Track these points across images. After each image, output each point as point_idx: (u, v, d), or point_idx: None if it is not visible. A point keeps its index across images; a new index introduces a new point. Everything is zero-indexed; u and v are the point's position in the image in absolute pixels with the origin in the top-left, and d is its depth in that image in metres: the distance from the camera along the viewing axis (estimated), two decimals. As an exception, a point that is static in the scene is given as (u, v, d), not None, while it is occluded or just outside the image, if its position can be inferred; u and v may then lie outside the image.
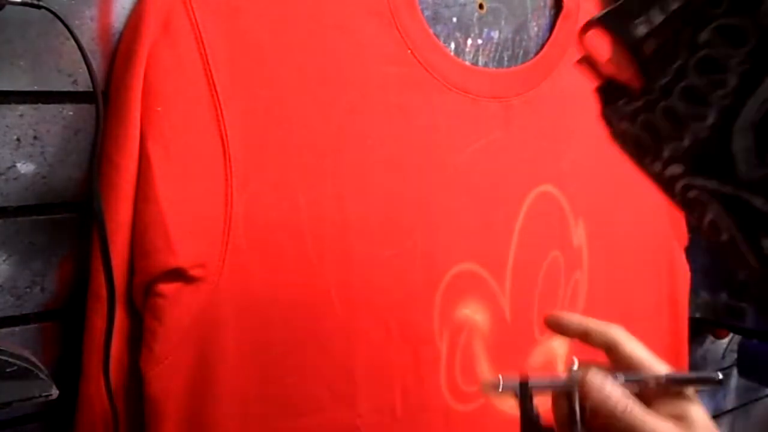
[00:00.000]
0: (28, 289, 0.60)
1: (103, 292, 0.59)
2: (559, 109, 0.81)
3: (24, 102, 0.58)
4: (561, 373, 0.61)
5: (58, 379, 0.58)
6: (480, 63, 0.79)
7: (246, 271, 0.63)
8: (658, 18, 0.40)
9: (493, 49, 0.80)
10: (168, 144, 0.59)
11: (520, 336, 0.81)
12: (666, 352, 0.67)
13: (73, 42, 0.56)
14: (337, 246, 0.68)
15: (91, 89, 0.58)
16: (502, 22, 0.81)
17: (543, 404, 0.53)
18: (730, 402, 1.30)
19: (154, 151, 0.58)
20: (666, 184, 0.43)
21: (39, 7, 0.54)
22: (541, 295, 0.82)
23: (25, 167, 0.58)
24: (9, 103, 0.57)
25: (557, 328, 0.57)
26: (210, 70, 0.60)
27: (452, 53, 0.77)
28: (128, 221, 0.59)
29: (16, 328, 0.60)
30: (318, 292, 0.68)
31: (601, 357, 0.54)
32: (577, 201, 0.84)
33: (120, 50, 0.60)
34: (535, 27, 0.83)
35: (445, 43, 0.76)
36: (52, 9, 0.55)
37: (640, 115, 0.44)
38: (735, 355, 1.23)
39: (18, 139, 0.58)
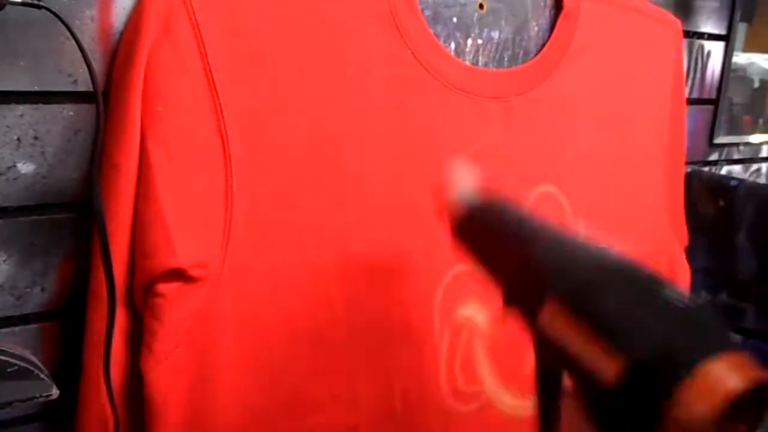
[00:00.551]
0: (28, 289, 0.60)
1: (103, 292, 0.59)
2: (559, 109, 0.81)
3: (24, 102, 0.58)
4: None
5: (58, 379, 0.58)
6: (480, 63, 0.79)
7: (246, 271, 0.63)
8: None
9: (493, 49, 0.80)
10: (168, 144, 0.59)
11: (520, 336, 0.81)
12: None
13: (73, 42, 0.56)
14: (337, 246, 0.68)
15: (91, 89, 0.58)
16: (503, 22, 0.81)
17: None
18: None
19: (154, 151, 0.58)
20: None
21: (39, 7, 0.54)
22: (541, 295, 0.82)
23: (25, 167, 0.58)
24: (9, 103, 0.57)
25: None
26: (210, 70, 0.60)
27: (452, 53, 0.77)
28: (128, 221, 0.59)
29: (16, 328, 0.60)
30: (318, 292, 0.68)
31: None
32: (577, 201, 0.84)
33: (120, 50, 0.60)
34: (535, 27, 0.83)
35: (445, 43, 0.76)
36: (52, 9, 0.55)
37: None
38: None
39: (18, 139, 0.58)
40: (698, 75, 1.09)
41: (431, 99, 0.73)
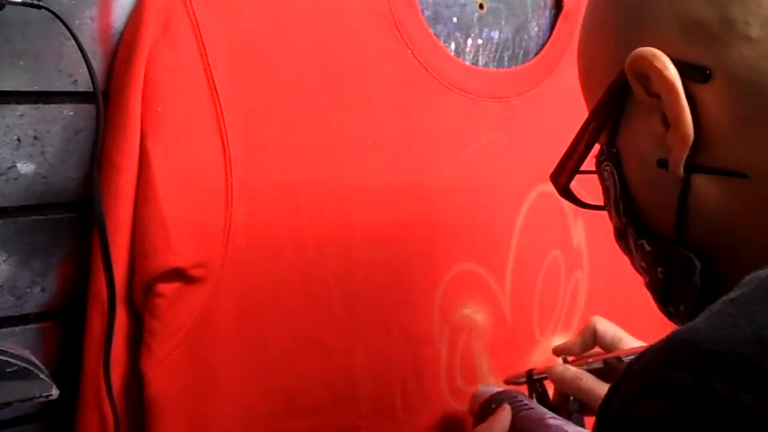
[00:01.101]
0: (28, 289, 0.60)
1: (103, 292, 0.59)
2: (559, 108, 0.81)
3: (24, 102, 0.57)
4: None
5: (58, 379, 0.58)
6: (480, 63, 0.79)
7: (246, 270, 0.63)
8: None
9: (493, 49, 0.80)
10: (168, 144, 0.59)
11: (521, 336, 0.81)
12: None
13: (73, 42, 0.56)
14: (337, 246, 0.68)
15: (91, 89, 0.58)
16: (502, 22, 0.81)
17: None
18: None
19: (154, 151, 0.58)
20: None
21: (39, 7, 0.54)
22: (541, 295, 0.82)
23: (25, 167, 0.58)
24: (9, 103, 0.57)
25: (564, 353, 0.75)
26: (210, 70, 0.60)
27: (452, 53, 0.77)
28: (128, 221, 0.59)
29: (16, 328, 0.60)
30: (318, 291, 0.68)
31: None
32: (577, 201, 0.84)
33: (120, 50, 0.60)
34: (535, 27, 0.83)
35: (445, 43, 0.76)
36: (52, 9, 0.55)
37: None
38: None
39: (18, 139, 0.58)
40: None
41: (431, 99, 0.73)
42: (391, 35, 0.70)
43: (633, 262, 0.49)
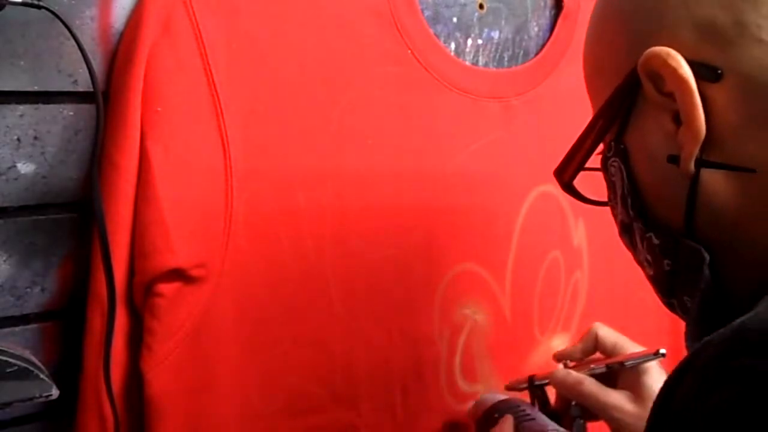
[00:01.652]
0: (28, 289, 0.60)
1: (103, 292, 0.59)
2: (559, 109, 0.81)
3: (24, 102, 0.57)
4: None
5: (58, 379, 0.58)
6: (480, 63, 0.79)
7: (246, 271, 0.63)
8: None
9: (493, 49, 0.80)
10: (168, 144, 0.59)
11: (521, 336, 0.81)
12: (667, 351, 0.68)
13: (73, 42, 0.56)
14: (337, 246, 0.68)
15: (91, 89, 0.58)
16: (502, 22, 0.81)
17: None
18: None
19: (154, 151, 0.58)
20: None
21: (39, 7, 0.54)
22: (541, 295, 0.82)
23: (25, 167, 0.58)
24: (9, 103, 0.57)
25: (565, 358, 0.75)
26: (210, 70, 0.60)
27: (452, 53, 0.77)
28: (128, 221, 0.59)
29: (16, 328, 0.60)
30: (318, 291, 0.68)
31: None
32: (577, 201, 0.84)
33: (120, 50, 0.60)
34: (535, 27, 0.83)
35: (445, 43, 0.76)
36: (52, 9, 0.55)
37: None
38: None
39: (18, 139, 0.58)
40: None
41: (431, 99, 0.73)
42: (391, 35, 0.70)
43: (636, 256, 0.50)
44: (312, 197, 0.66)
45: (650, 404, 0.38)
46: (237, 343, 0.64)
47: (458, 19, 0.77)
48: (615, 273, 0.87)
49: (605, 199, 0.52)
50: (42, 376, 0.56)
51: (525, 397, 0.74)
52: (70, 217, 0.61)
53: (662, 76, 0.42)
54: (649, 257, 0.48)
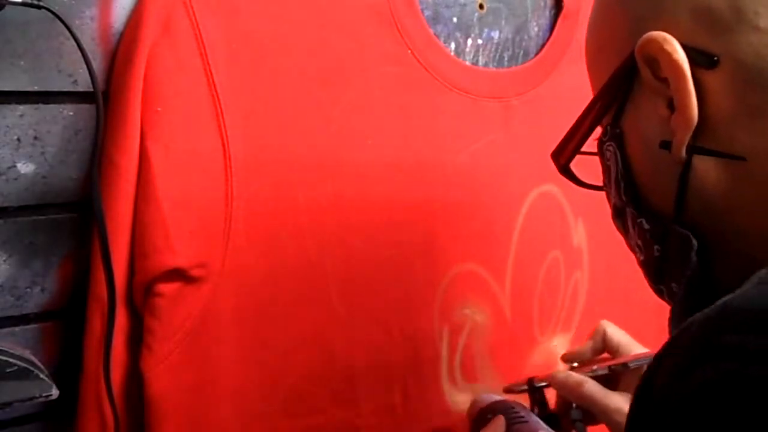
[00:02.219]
0: (28, 289, 0.60)
1: (103, 292, 0.59)
2: (559, 109, 0.81)
3: (24, 102, 0.57)
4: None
5: (58, 379, 0.58)
6: (480, 63, 0.79)
7: (246, 271, 0.63)
8: None
9: (493, 49, 0.80)
10: (168, 144, 0.59)
11: (521, 336, 0.81)
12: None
13: (73, 42, 0.56)
14: (337, 246, 0.68)
15: (91, 89, 0.58)
16: (502, 22, 0.81)
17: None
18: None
19: (154, 151, 0.58)
20: None
21: (39, 7, 0.54)
22: (541, 295, 0.82)
23: (25, 167, 0.58)
24: (9, 103, 0.57)
25: (575, 359, 0.76)
26: (210, 70, 0.60)
27: (452, 53, 0.77)
28: (128, 221, 0.59)
29: (16, 328, 0.60)
30: (318, 291, 0.68)
31: None
32: (577, 201, 0.84)
33: (120, 50, 0.60)
34: (535, 27, 0.83)
35: (445, 43, 0.76)
36: (52, 9, 0.55)
37: None
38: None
39: (18, 139, 0.58)
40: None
41: (431, 99, 0.73)
42: (391, 35, 0.70)
43: (628, 241, 0.50)
44: (312, 197, 0.66)
45: None
46: (237, 343, 0.64)
47: (458, 19, 0.77)
48: (615, 273, 0.87)
49: (601, 184, 0.52)
50: (42, 376, 0.56)
51: (525, 399, 0.73)
52: (70, 217, 0.61)
53: (658, 60, 0.42)
54: (639, 242, 0.48)
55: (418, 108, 0.72)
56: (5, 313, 0.60)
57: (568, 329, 0.85)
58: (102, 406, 0.61)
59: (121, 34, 0.60)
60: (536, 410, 0.72)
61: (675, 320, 0.45)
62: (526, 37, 0.82)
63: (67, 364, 0.62)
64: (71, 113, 0.60)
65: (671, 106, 0.43)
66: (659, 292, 0.49)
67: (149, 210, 0.59)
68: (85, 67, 0.57)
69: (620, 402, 0.66)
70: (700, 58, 0.41)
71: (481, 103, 0.76)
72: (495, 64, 0.80)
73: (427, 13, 0.74)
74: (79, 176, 0.60)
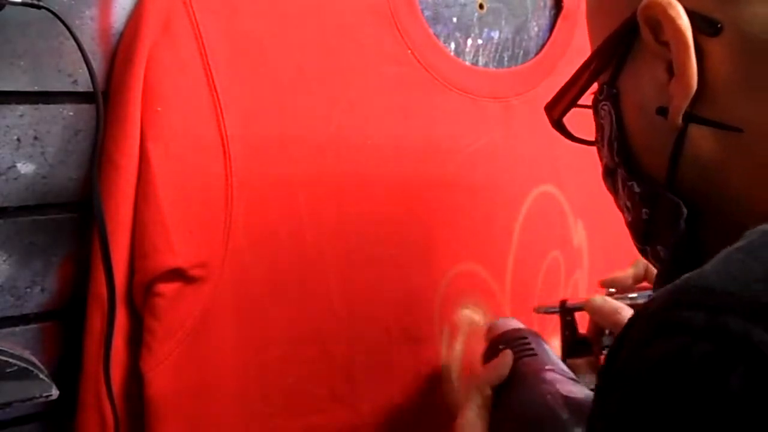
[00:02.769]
0: (28, 289, 0.60)
1: (103, 292, 0.59)
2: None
3: (24, 102, 0.57)
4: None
5: (58, 379, 0.58)
6: (480, 63, 0.79)
7: (246, 270, 0.63)
8: None
9: (493, 49, 0.80)
10: (168, 144, 0.59)
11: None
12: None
13: (73, 42, 0.56)
14: (337, 246, 0.68)
15: (91, 89, 0.58)
16: (502, 22, 0.81)
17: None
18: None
19: (154, 151, 0.58)
20: None
21: (39, 7, 0.54)
22: (541, 295, 0.82)
23: (25, 167, 0.58)
24: (9, 103, 0.57)
25: (613, 284, 0.73)
26: (210, 70, 0.60)
27: (452, 53, 0.77)
28: (128, 221, 0.59)
29: (16, 328, 0.60)
30: (318, 291, 0.68)
31: None
32: (577, 201, 0.84)
33: (120, 50, 0.60)
34: (535, 27, 0.83)
35: (445, 43, 0.76)
36: (52, 9, 0.55)
37: None
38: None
39: (18, 140, 0.58)
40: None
41: (431, 99, 0.73)
42: (391, 35, 0.70)
43: (617, 201, 0.50)
44: (312, 197, 0.66)
45: None
46: (237, 343, 0.64)
47: (458, 19, 0.77)
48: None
49: (592, 140, 0.52)
50: (42, 376, 0.56)
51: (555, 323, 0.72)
52: (70, 217, 0.61)
53: (661, 24, 0.42)
54: (628, 203, 0.48)
55: (418, 108, 0.72)
56: (5, 313, 0.60)
57: (568, 329, 0.85)
58: (102, 406, 0.61)
59: (121, 34, 0.60)
60: (566, 333, 0.70)
61: (659, 283, 0.45)
62: (526, 37, 0.82)
63: (67, 364, 0.62)
64: (71, 113, 0.60)
65: (670, 70, 0.42)
66: (643, 253, 0.49)
67: (149, 210, 0.59)
68: (85, 67, 0.57)
69: None
70: (703, 25, 0.41)
71: (481, 103, 0.76)
72: (495, 64, 0.80)
73: (427, 13, 0.74)
74: (79, 176, 0.60)
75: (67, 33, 0.56)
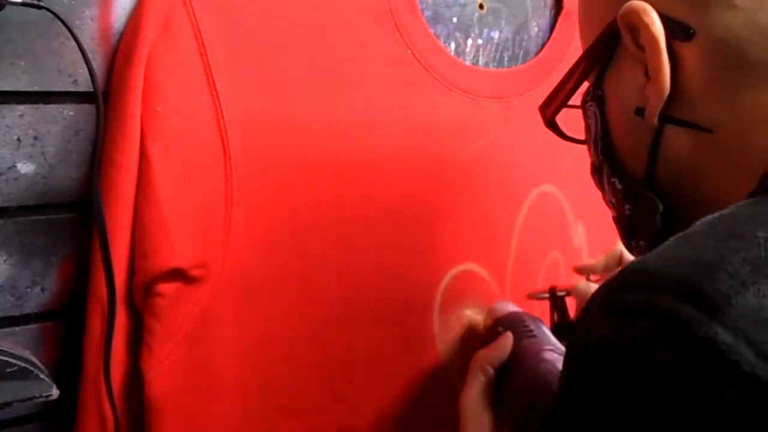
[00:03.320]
0: (28, 289, 0.60)
1: (104, 292, 0.59)
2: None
3: (24, 102, 0.57)
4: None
5: (58, 379, 0.58)
6: (480, 63, 0.79)
7: (246, 270, 0.63)
8: None
9: (493, 49, 0.80)
10: (168, 144, 0.59)
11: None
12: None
13: (73, 42, 0.56)
14: (337, 246, 0.68)
15: (91, 89, 0.58)
16: (502, 22, 0.80)
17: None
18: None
19: (154, 151, 0.58)
20: None
21: (39, 7, 0.54)
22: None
23: (25, 167, 0.58)
24: (9, 103, 0.57)
25: (587, 271, 0.77)
26: (210, 70, 0.60)
27: (452, 53, 0.77)
28: (128, 221, 0.59)
29: (16, 328, 0.60)
30: (318, 291, 0.67)
31: None
32: (577, 201, 0.84)
33: (120, 50, 0.60)
34: (535, 27, 0.83)
35: (445, 43, 0.76)
36: (52, 9, 0.55)
37: None
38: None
39: (18, 139, 0.58)
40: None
41: (431, 99, 0.73)
42: (391, 35, 0.70)
43: (604, 197, 0.53)
44: (312, 197, 0.66)
45: None
46: (237, 343, 0.64)
47: (458, 19, 0.77)
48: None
49: (583, 138, 0.54)
50: (42, 376, 0.56)
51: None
52: (70, 217, 0.61)
53: (638, 29, 0.44)
54: (613, 200, 0.51)
55: (418, 108, 0.72)
56: (5, 313, 0.60)
57: (568, 329, 0.85)
58: (102, 406, 0.61)
59: (121, 34, 0.60)
60: (556, 317, 0.75)
61: None
62: (526, 37, 0.82)
63: (67, 364, 0.62)
64: (71, 113, 0.60)
65: (648, 74, 0.44)
66: (629, 247, 0.52)
67: (149, 210, 0.59)
68: (85, 67, 0.57)
69: None
70: (677, 30, 0.43)
71: (481, 103, 0.76)
72: (495, 64, 0.80)
73: (427, 13, 0.74)
74: (79, 176, 0.60)
75: (67, 33, 0.56)
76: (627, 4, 0.44)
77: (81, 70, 0.58)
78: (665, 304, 0.32)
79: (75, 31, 0.56)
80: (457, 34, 0.77)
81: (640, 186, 0.47)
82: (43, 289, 0.61)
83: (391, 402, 0.72)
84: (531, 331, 0.67)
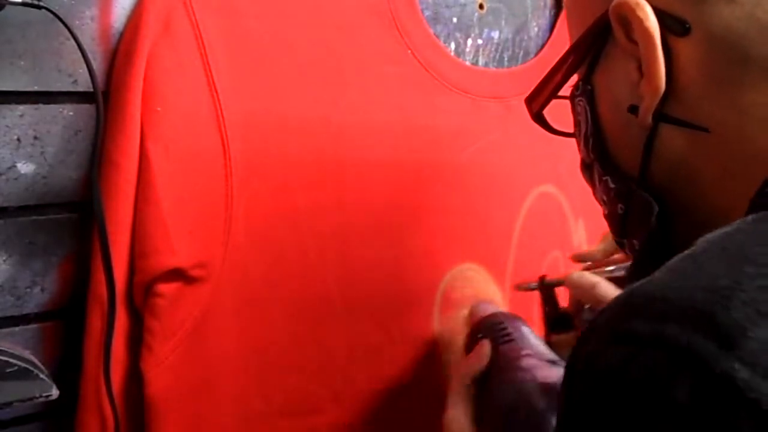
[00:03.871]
0: (28, 289, 0.60)
1: (104, 292, 0.59)
2: (559, 108, 0.81)
3: (24, 102, 0.57)
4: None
5: (58, 379, 0.58)
6: (480, 63, 0.79)
7: (246, 271, 0.63)
8: None
9: (493, 49, 0.80)
10: (168, 144, 0.59)
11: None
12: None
13: (73, 42, 0.56)
14: (337, 246, 0.68)
15: (91, 89, 0.58)
16: (502, 22, 0.80)
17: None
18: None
19: (154, 151, 0.58)
20: None
21: (39, 7, 0.54)
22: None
23: (25, 167, 0.58)
24: (9, 103, 0.57)
25: (584, 259, 0.74)
26: (210, 70, 0.60)
27: (452, 53, 0.77)
28: (128, 221, 0.59)
29: (16, 328, 0.60)
30: (318, 292, 0.68)
31: None
32: (577, 201, 0.84)
33: (120, 50, 0.60)
34: (535, 27, 0.83)
35: (445, 43, 0.76)
36: (52, 9, 0.55)
37: None
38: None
39: (18, 139, 0.58)
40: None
41: (431, 99, 0.73)
42: (391, 35, 0.70)
43: (595, 193, 0.51)
44: (312, 197, 0.66)
45: None
46: (237, 343, 0.64)
47: (458, 19, 0.77)
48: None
49: (572, 131, 0.53)
50: (42, 376, 0.56)
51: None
52: (70, 217, 0.61)
53: (631, 23, 0.42)
54: (605, 198, 0.49)
55: (418, 108, 0.72)
56: (5, 313, 0.60)
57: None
58: (102, 406, 0.61)
59: (121, 34, 0.60)
60: (547, 309, 0.71)
61: (634, 276, 0.46)
62: (526, 37, 0.82)
63: (67, 364, 0.62)
64: (71, 113, 0.60)
65: (641, 70, 0.43)
66: (621, 245, 0.50)
67: (149, 210, 0.59)
68: (85, 67, 0.57)
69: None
70: (672, 25, 0.41)
71: (481, 103, 0.76)
72: (495, 64, 0.80)
73: (427, 13, 0.74)
74: (79, 176, 0.60)
75: (67, 33, 0.56)
76: None
77: (81, 70, 0.58)
78: (675, 334, 0.30)
79: (75, 31, 0.56)
80: (457, 34, 0.77)
81: (634, 185, 0.46)
82: (43, 289, 0.61)
83: (390, 402, 0.72)
84: (509, 335, 0.64)
